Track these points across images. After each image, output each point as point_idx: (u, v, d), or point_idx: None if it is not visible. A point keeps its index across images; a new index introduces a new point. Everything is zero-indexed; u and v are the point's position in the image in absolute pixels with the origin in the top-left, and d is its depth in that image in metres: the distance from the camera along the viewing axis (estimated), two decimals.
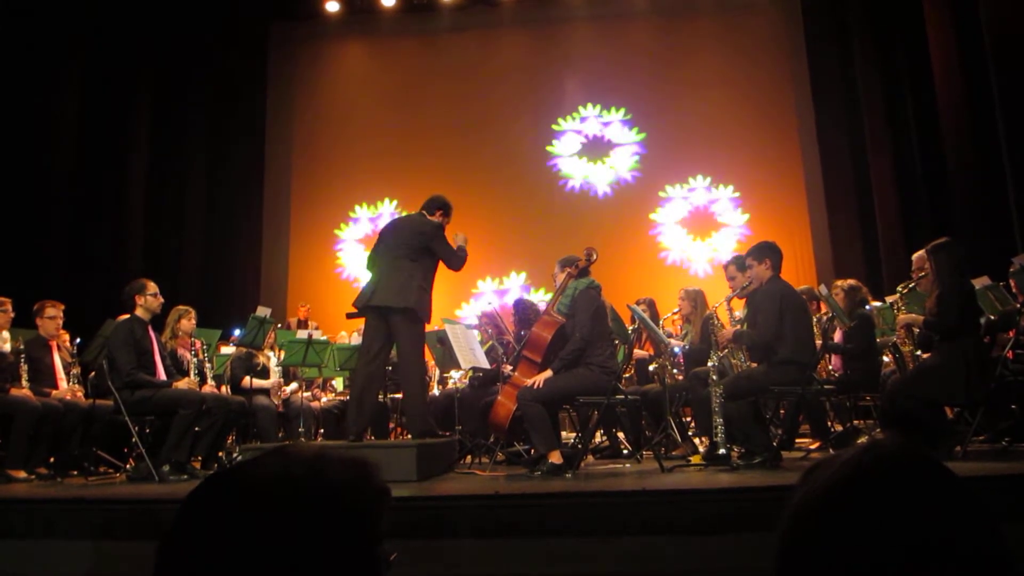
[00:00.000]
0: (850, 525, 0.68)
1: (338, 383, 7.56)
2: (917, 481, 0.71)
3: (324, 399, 7.29)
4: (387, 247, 4.91)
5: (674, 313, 6.41)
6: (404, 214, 5.18)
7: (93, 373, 5.57)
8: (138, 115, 9.73)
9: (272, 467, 0.78)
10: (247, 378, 6.29)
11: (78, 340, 5.85)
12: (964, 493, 0.71)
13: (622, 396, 4.87)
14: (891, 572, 0.66)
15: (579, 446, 5.15)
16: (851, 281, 5.65)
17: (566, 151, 11.08)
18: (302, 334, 6.32)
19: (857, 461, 0.73)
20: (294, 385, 6.68)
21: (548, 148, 11.12)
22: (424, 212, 5.07)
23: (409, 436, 5.10)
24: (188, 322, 5.82)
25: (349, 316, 4.97)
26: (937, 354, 4.39)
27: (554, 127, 11.15)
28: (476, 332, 6.40)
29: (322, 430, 7.03)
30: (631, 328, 6.02)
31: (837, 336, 5.62)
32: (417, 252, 4.83)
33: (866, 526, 0.68)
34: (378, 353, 4.83)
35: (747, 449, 4.45)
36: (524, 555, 2.92)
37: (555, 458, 4.35)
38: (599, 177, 10.97)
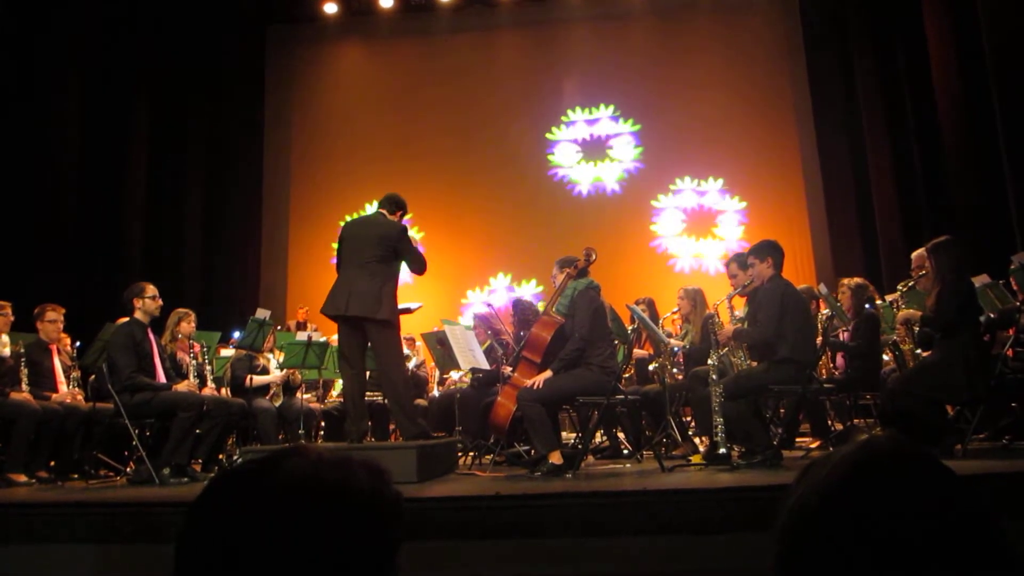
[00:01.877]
0: (848, 523, 0.68)
1: (338, 385, 7.55)
2: (913, 477, 0.71)
3: (325, 400, 7.29)
4: (355, 251, 4.80)
5: (673, 313, 6.41)
6: (361, 214, 5.08)
7: (93, 376, 5.58)
8: (137, 118, 9.73)
9: (299, 469, 0.77)
10: (249, 376, 6.30)
11: (78, 343, 5.85)
12: (960, 488, 0.71)
13: (622, 396, 4.87)
14: (890, 569, 0.66)
15: (579, 446, 5.15)
16: (858, 280, 5.62)
17: (565, 152, 11.06)
18: (302, 336, 6.32)
19: (853, 459, 0.73)
20: (276, 372, 6.58)
21: (547, 136, 11.10)
22: (384, 212, 5.00)
23: None
24: (188, 325, 5.82)
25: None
26: (937, 352, 4.40)
27: (549, 137, 11.13)
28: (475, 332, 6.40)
29: (322, 432, 7.03)
30: (630, 328, 6.01)
31: (843, 334, 5.60)
32: (386, 256, 4.76)
33: (864, 524, 0.68)
34: (361, 360, 4.85)
35: (747, 448, 4.45)
36: (525, 556, 2.92)
37: (555, 458, 4.36)
38: (599, 177, 10.96)
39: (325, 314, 4.83)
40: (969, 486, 0.71)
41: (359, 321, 4.68)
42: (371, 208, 10.63)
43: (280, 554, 0.72)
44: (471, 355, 5.72)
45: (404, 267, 4.96)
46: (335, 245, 4.96)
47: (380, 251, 4.74)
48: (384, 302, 4.66)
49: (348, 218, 10.66)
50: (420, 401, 6.77)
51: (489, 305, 7.28)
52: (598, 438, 6.21)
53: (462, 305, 10.49)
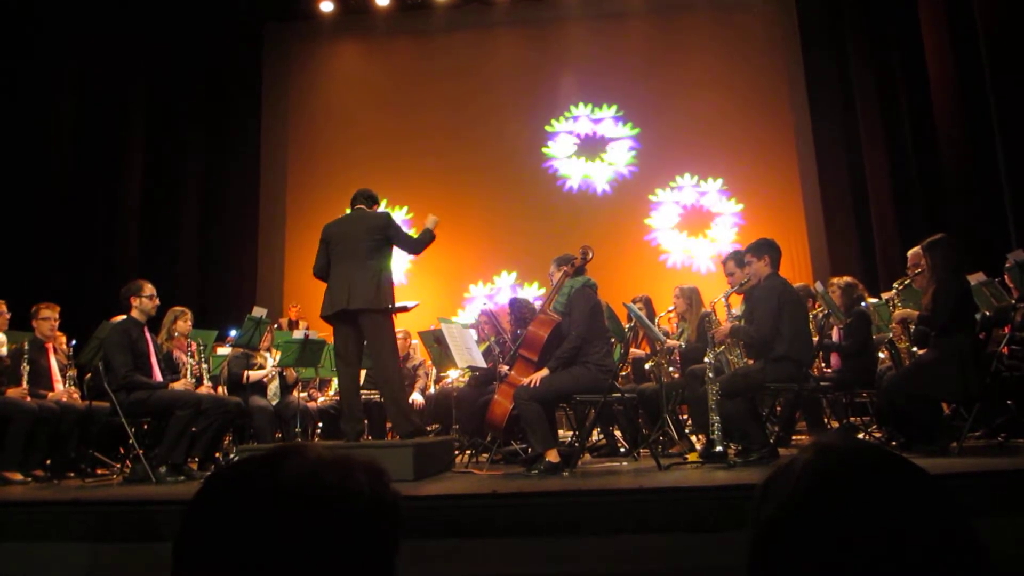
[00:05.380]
0: (820, 534, 0.68)
1: (335, 384, 7.54)
2: (879, 479, 0.71)
3: (320, 399, 7.28)
4: (345, 247, 4.83)
5: (670, 311, 6.42)
6: (346, 213, 5.11)
7: (89, 375, 5.57)
8: (133, 117, 9.71)
9: (298, 469, 0.76)
10: (246, 372, 6.30)
11: (74, 342, 5.84)
12: (925, 482, 0.71)
13: (619, 394, 4.87)
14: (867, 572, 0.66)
15: (576, 444, 5.15)
16: (847, 278, 5.67)
17: (562, 151, 11.06)
18: (297, 334, 6.31)
19: (815, 467, 0.72)
20: (270, 370, 6.60)
21: (544, 150, 11.10)
22: (363, 208, 5.05)
23: None
24: (184, 323, 5.81)
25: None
26: (933, 350, 4.40)
27: (547, 128, 11.13)
28: (473, 332, 6.39)
29: (319, 430, 7.02)
30: (627, 326, 6.02)
31: (835, 334, 5.63)
32: (377, 246, 4.81)
33: (836, 534, 0.68)
34: (358, 356, 4.88)
35: (744, 446, 4.45)
36: (522, 554, 2.92)
37: (552, 457, 4.36)
38: (595, 175, 10.96)
39: (325, 316, 4.83)
40: (934, 478, 0.71)
41: (355, 315, 4.69)
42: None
43: (278, 556, 0.71)
44: (468, 353, 5.72)
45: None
46: None
47: (371, 242, 4.80)
48: (381, 291, 4.70)
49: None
50: (416, 401, 6.77)
51: (484, 306, 7.27)
52: (595, 436, 6.22)
53: (464, 299, 10.54)
